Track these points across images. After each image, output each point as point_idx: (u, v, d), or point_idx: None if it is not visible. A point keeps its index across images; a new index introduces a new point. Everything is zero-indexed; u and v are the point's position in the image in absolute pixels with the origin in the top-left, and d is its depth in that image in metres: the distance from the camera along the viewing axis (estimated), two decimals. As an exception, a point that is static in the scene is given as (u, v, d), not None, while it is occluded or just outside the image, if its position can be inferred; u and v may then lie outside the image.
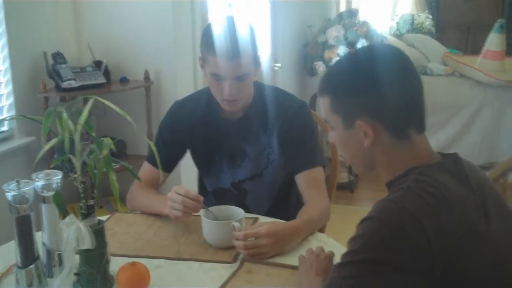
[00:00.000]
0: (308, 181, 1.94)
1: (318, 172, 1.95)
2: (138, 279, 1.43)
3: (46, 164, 2.63)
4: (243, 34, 1.85)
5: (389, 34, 6.30)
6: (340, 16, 5.06)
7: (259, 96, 2.02)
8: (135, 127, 1.54)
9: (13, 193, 1.37)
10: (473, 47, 5.88)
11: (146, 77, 3.20)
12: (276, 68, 4.42)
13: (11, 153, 2.78)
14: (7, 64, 2.82)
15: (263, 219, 1.88)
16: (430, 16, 7.00)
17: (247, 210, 1.84)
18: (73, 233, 1.33)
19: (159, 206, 1.87)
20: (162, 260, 1.62)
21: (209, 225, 1.70)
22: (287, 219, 1.78)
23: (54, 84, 2.96)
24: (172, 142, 2.06)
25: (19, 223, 1.40)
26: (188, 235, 1.78)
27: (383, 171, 1.29)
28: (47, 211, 1.46)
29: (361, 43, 4.63)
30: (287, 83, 4.51)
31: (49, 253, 1.49)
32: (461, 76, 5.33)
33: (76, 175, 1.39)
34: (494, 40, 5.16)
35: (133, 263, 1.45)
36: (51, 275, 1.48)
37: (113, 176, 1.38)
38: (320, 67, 4.71)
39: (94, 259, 1.39)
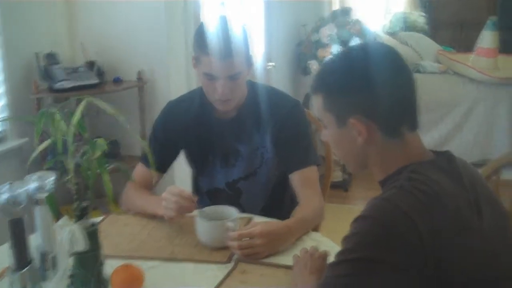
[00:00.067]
0: (302, 180, 1.94)
1: (312, 171, 1.95)
2: (132, 280, 1.43)
3: (39, 165, 2.62)
4: (235, 33, 1.85)
5: (382, 32, 6.30)
6: (333, 14, 5.07)
7: (252, 95, 2.02)
8: (128, 128, 1.54)
9: (6, 195, 1.37)
10: (466, 45, 5.88)
11: (140, 77, 3.20)
12: (269, 67, 4.42)
13: (4, 155, 2.77)
14: (0, 65, 2.81)
15: (257, 218, 1.88)
16: (423, 14, 7.01)
17: (242, 209, 1.84)
18: (66, 235, 1.33)
19: (154, 206, 1.86)
20: (156, 261, 1.61)
21: (203, 225, 1.70)
22: (281, 218, 1.78)
23: (47, 85, 2.95)
24: (166, 142, 2.06)
25: (12, 226, 1.39)
26: (182, 235, 1.78)
27: (376, 169, 1.29)
28: (41, 213, 1.45)
29: (354, 42, 4.64)
30: (281, 82, 4.51)
31: (42, 255, 1.48)
32: (455, 74, 5.34)
33: (69, 177, 1.39)
34: (486, 38, 5.17)
35: (127, 265, 1.44)
36: (45, 278, 1.47)
37: (106, 177, 1.38)
38: (314, 66, 4.71)
39: (88, 261, 1.39)
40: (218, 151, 2.06)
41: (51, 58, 2.97)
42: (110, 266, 1.45)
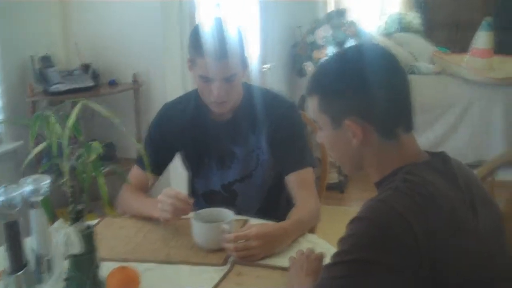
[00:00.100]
0: (298, 182, 1.94)
1: (307, 173, 1.95)
2: (128, 282, 1.43)
3: (34, 168, 2.61)
4: (231, 35, 1.85)
5: (377, 33, 6.31)
6: (328, 16, 5.08)
7: (247, 97, 2.02)
8: (124, 130, 1.54)
9: (1, 198, 1.36)
10: (462, 45, 5.90)
11: (135, 80, 3.20)
12: (265, 69, 4.42)
13: (-1, 158, 2.77)
14: (-5, 68, 2.82)
15: (253, 221, 1.88)
16: (418, 15, 7.02)
17: (237, 211, 1.84)
18: (62, 238, 1.32)
19: (149, 209, 1.86)
20: (152, 264, 1.61)
21: (199, 227, 1.70)
22: (277, 220, 1.78)
23: (42, 88, 2.95)
24: (162, 145, 2.06)
25: (7, 229, 1.38)
26: (178, 238, 1.78)
27: (371, 170, 1.29)
28: (36, 217, 1.45)
29: (349, 43, 4.65)
30: (276, 84, 4.52)
31: (38, 258, 1.47)
32: (450, 75, 5.35)
33: (64, 180, 1.39)
34: (481, 38, 5.18)
35: (123, 267, 1.44)
36: (40, 281, 1.47)
37: (102, 180, 1.38)
38: (309, 67, 4.72)
39: (84, 264, 1.38)
40: (213, 153, 2.06)
41: (46, 61, 2.97)
42: (106, 269, 1.44)
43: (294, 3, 5.01)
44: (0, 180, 1.51)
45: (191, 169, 2.15)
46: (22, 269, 1.40)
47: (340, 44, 4.70)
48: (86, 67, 3.13)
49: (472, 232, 1.18)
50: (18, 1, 2.93)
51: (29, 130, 1.37)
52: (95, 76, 3.14)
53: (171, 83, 3.33)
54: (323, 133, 1.32)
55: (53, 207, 1.43)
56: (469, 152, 4.75)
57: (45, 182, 1.43)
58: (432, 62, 5.73)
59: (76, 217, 1.38)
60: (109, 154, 3.09)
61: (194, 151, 2.07)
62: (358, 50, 1.37)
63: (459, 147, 4.80)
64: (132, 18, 3.24)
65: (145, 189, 2.03)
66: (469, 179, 1.28)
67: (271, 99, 2.04)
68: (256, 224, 1.76)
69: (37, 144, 1.43)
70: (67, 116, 1.40)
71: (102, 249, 1.47)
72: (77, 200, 1.38)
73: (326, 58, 4.41)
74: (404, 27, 6.65)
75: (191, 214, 1.75)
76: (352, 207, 4.19)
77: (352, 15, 5.41)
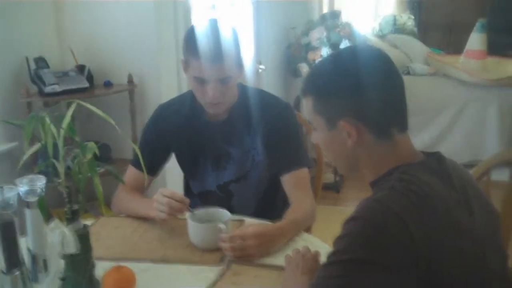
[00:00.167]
0: (294, 182, 1.94)
1: (303, 173, 1.96)
2: (124, 282, 1.43)
3: (30, 169, 2.61)
4: (226, 36, 1.85)
5: (371, 35, 6.33)
6: (323, 17, 5.09)
7: (242, 98, 2.02)
8: (119, 131, 1.54)
9: (-3, 198, 1.37)
10: (456, 47, 5.92)
11: (130, 81, 3.19)
12: (260, 70, 4.43)
13: (-6, 159, 2.77)
14: (-11, 69, 2.81)
15: (249, 220, 1.88)
16: (412, 17, 7.04)
17: (233, 212, 1.84)
18: (57, 238, 1.32)
19: (145, 209, 1.86)
20: (148, 264, 1.61)
21: (195, 227, 1.70)
22: (273, 220, 1.78)
23: (37, 89, 2.94)
24: (157, 145, 2.06)
25: (3, 229, 1.38)
26: (174, 238, 1.78)
27: (366, 171, 1.29)
28: (32, 217, 1.45)
29: (344, 45, 4.66)
30: (271, 85, 4.52)
31: (34, 258, 1.48)
32: (444, 76, 5.37)
33: (60, 180, 1.39)
34: (475, 40, 5.20)
35: (119, 267, 1.44)
36: (36, 281, 1.47)
37: (97, 180, 1.38)
38: (304, 68, 4.72)
39: (79, 263, 1.38)
40: (209, 154, 2.06)
41: (41, 62, 2.96)
42: (101, 269, 1.44)
43: (288, 5, 5.02)
44: (-5, 180, 1.51)
45: (187, 170, 2.15)
46: (18, 269, 1.40)
47: (334, 45, 4.70)
48: (81, 68, 3.12)
49: (468, 232, 1.19)
50: (12, 2, 2.92)
51: (23, 131, 1.37)
52: (90, 77, 3.13)
53: (166, 84, 3.33)
54: (318, 134, 1.32)
55: (49, 207, 1.43)
56: (464, 153, 4.76)
57: (41, 182, 1.43)
58: (426, 63, 5.74)
59: (72, 217, 1.38)
60: (105, 155, 3.09)
61: (189, 152, 2.07)
62: (352, 51, 1.37)
63: (454, 148, 4.82)
64: (126, 19, 3.23)
65: (141, 190, 2.03)
66: (464, 179, 1.28)
67: (266, 100, 2.05)
68: (252, 224, 1.76)
69: (32, 144, 1.43)
70: (62, 117, 1.40)
71: (98, 249, 1.47)
72: (73, 200, 1.38)
73: (320, 59, 4.43)
74: (398, 29, 6.68)
75: (187, 214, 1.75)
76: (348, 207, 4.20)
77: (346, 17, 5.42)
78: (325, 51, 4.66)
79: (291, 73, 4.96)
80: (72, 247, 1.33)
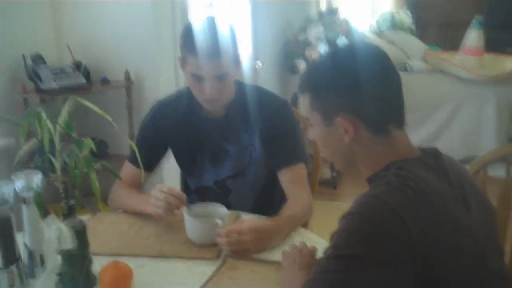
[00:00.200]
0: (291, 178, 1.94)
1: (300, 169, 1.96)
2: (121, 278, 1.43)
3: (26, 165, 2.60)
4: (223, 33, 1.85)
5: (369, 32, 6.32)
6: (320, 14, 5.09)
7: (240, 95, 2.01)
8: (116, 127, 1.54)
9: (-7, 194, 1.37)
10: (453, 44, 5.92)
11: (127, 77, 3.19)
12: (257, 67, 4.42)
13: (-9, 155, 2.76)
14: (-14, 66, 2.81)
15: (245, 215, 1.88)
16: (410, 14, 7.04)
17: (231, 208, 1.84)
18: (54, 234, 1.32)
19: (142, 204, 1.86)
20: (145, 259, 1.61)
21: (191, 222, 1.70)
22: (270, 216, 1.78)
23: (34, 85, 2.94)
24: (154, 142, 2.05)
25: (-1, 224, 1.39)
26: (171, 233, 1.78)
27: (363, 167, 1.29)
28: (28, 212, 1.45)
29: (341, 41, 4.65)
30: (269, 82, 4.51)
31: (30, 254, 1.48)
32: (441, 73, 5.37)
33: (56, 176, 1.39)
34: (472, 36, 5.20)
35: (116, 263, 1.44)
36: (33, 276, 1.47)
37: (94, 176, 1.38)
38: (301, 65, 4.72)
39: (76, 259, 1.38)
40: (206, 150, 2.06)
41: (38, 58, 2.95)
42: (98, 264, 1.45)
43: (286, 1, 5.00)
44: (-8, 176, 1.51)
45: (184, 166, 2.15)
46: (15, 264, 1.40)
47: (332, 42, 4.70)
48: (77, 65, 3.11)
49: (465, 228, 1.19)
50: (8, 2, 2.92)
51: (20, 127, 1.37)
52: (87, 73, 3.13)
53: (163, 81, 3.33)
54: (315, 130, 1.33)
55: (46, 202, 1.43)
56: (461, 149, 4.76)
57: (37, 178, 1.44)
58: (424, 60, 5.74)
59: (68, 213, 1.38)
60: (102, 151, 3.09)
61: (187, 148, 2.07)
62: (349, 48, 1.38)
63: (452, 144, 4.81)
64: (124, 16, 3.23)
65: (138, 186, 2.02)
66: (461, 175, 1.28)
67: (264, 97, 2.05)
68: (249, 218, 1.76)
69: (29, 140, 1.43)
70: (58, 113, 1.40)
71: (94, 245, 1.47)
72: (69, 196, 1.38)
73: (318, 56, 4.44)
74: (396, 26, 6.66)
75: (184, 209, 1.75)
76: (345, 203, 4.16)
77: (344, 14, 5.42)
78: (322, 48, 4.65)
79: (289, 69, 4.95)
80: (69, 243, 1.33)
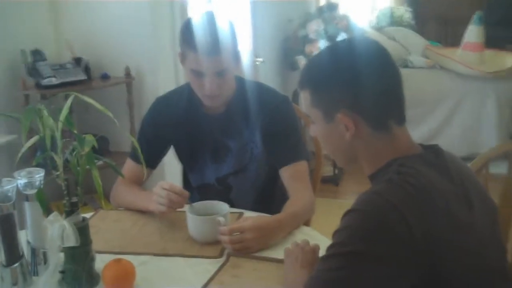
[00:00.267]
0: (292, 175, 1.94)
1: (302, 166, 1.96)
2: (124, 275, 1.43)
3: (28, 162, 2.60)
4: (222, 29, 1.84)
5: (369, 27, 6.31)
6: (320, 10, 5.08)
7: (240, 91, 2.01)
8: (117, 124, 1.54)
9: (-5, 191, 1.36)
10: (453, 39, 5.92)
11: (127, 73, 3.19)
12: (257, 63, 4.42)
13: (-8, 152, 2.76)
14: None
15: (248, 213, 1.88)
16: (409, 9, 7.03)
17: (232, 205, 1.84)
18: (57, 231, 1.33)
19: (144, 202, 1.86)
20: (147, 256, 1.61)
21: (194, 220, 1.70)
22: (272, 213, 1.78)
23: (34, 81, 2.94)
24: (155, 138, 2.05)
25: (2, 222, 1.39)
26: (173, 231, 1.78)
27: (365, 164, 1.29)
28: (31, 209, 1.45)
29: (341, 37, 4.64)
30: (269, 78, 4.51)
31: (33, 251, 1.48)
32: (442, 69, 5.37)
33: (58, 173, 1.39)
34: (473, 32, 5.19)
35: (119, 260, 1.44)
36: (36, 273, 1.47)
37: (96, 173, 1.38)
38: (301, 61, 4.71)
39: (79, 256, 1.39)
40: (207, 147, 2.05)
41: (37, 54, 2.95)
42: (101, 261, 1.45)
43: (285, -3, 5.01)
44: (-6, 173, 1.51)
45: (185, 163, 2.15)
46: (18, 262, 1.40)
47: (331, 38, 4.69)
48: (78, 61, 3.11)
49: (467, 225, 1.18)
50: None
51: (21, 124, 1.37)
52: (87, 69, 3.13)
53: (163, 77, 3.33)
54: (316, 126, 1.32)
55: (48, 200, 1.43)
56: (462, 146, 4.75)
57: (39, 175, 1.43)
58: (424, 56, 5.74)
59: (71, 210, 1.38)
60: (103, 148, 3.09)
61: (188, 144, 2.07)
62: (349, 44, 1.37)
63: (453, 140, 4.81)
64: (124, 11, 3.22)
65: (139, 183, 2.02)
66: (462, 172, 1.28)
67: (264, 93, 2.04)
68: (251, 216, 1.76)
69: (30, 137, 1.43)
70: (59, 110, 1.40)
71: (97, 242, 1.47)
72: (71, 193, 1.38)
73: (317, 52, 4.42)
74: (395, 21, 6.66)
75: (186, 207, 1.75)
76: (347, 200, 4.18)
77: (344, 9, 5.41)
78: (322, 44, 4.65)
79: (289, 66, 4.95)
80: (72, 240, 1.33)
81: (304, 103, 1.32)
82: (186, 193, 1.77)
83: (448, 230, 1.13)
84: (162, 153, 2.11)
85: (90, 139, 1.39)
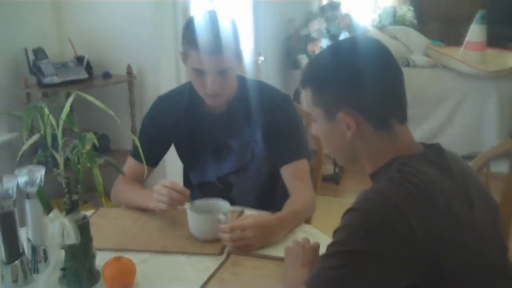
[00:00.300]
0: (293, 174, 1.94)
1: (303, 164, 1.96)
2: (124, 273, 1.43)
3: (29, 160, 2.61)
4: (225, 28, 1.84)
5: (371, 26, 6.31)
6: (322, 9, 5.07)
7: (242, 89, 2.01)
8: (118, 122, 1.54)
9: (-4, 189, 1.37)
10: (455, 39, 5.91)
11: (129, 72, 3.19)
12: (259, 62, 4.42)
13: (-6, 150, 2.77)
14: (-12, 60, 2.81)
15: (248, 211, 1.88)
16: (412, 8, 7.02)
17: (233, 203, 1.84)
18: (57, 229, 1.33)
19: (145, 199, 1.86)
20: (148, 254, 1.61)
21: (195, 218, 1.70)
22: (273, 212, 1.78)
23: (36, 80, 2.94)
24: (156, 137, 2.05)
25: (3, 219, 1.39)
26: (174, 228, 1.78)
27: (366, 162, 1.29)
28: (31, 207, 1.45)
29: (343, 36, 4.64)
30: (271, 77, 4.51)
31: (34, 248, 1.48)
32: (444, 68, 5.36)
33: (59, 171, 1.39)
34: (475, 31, 5.18)
35: (119, 258, 1.44)
36: (36, 271, 1.48)
37: (96, 171, 1.38)
38: (303, 60, 4.71)
39: (80, 254, 1.39)
40: (208, 145, 2.05)
41: (40, 53, 2.95)
42: (102, 259, 1.45)
43: (287, -4, 5.00)
44: (-5, 171, 1.51)
45: (186, 161, 2.15)
46: (18, 259, 1.41)
47: (334, 37, 4.68)
48: (80, 59, 3.12)
49: (468, 224, 1.18)
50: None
51: (22, 122, 1.37)
52: (89, 68, 3.13)
53: (165, 75, 3.33)
54: (318, 125, 1.32)
55: (49, 197, 1.43)
56: (463, 144, 4.75)
57: (40, 173, 1.44)
58: (426, 55, 5.73)
59: (71, 208, 1.38)
60: (104, 146, 3.09)
61: (189, 143, 2.07)
62: (351, 42, 1.37)
63: (454, 139, 4.80)
64: (126, 10, 3.22)
65: (140, 181, 2.02)
66: (464, 171, 1.28)
67: (266, 92, 2.04)
68: (251, 214, 1.76)
69: (31, 135, 1.43)
70: (61, 108, 1.40)
71: (98, 240, 1.47)
72: (72, 191, 1.38)
73: (319, 50, 4.42)
74: (398, 20, 6.66)
75: (187, 205, 1.75)
76: (348, 199, 4.19)
77: (346, 8, 5.40)
78: (324, 43, 4.64)
79: (291, 64, 4.94)
80: (72, 238, 1.33)
81: (306, 101, 1.32)
82: (187, 191, 1.77)
83: (449, 229, 1.13)
84: (163, 152, 2.11)
85: (91, 137, 1.39)
